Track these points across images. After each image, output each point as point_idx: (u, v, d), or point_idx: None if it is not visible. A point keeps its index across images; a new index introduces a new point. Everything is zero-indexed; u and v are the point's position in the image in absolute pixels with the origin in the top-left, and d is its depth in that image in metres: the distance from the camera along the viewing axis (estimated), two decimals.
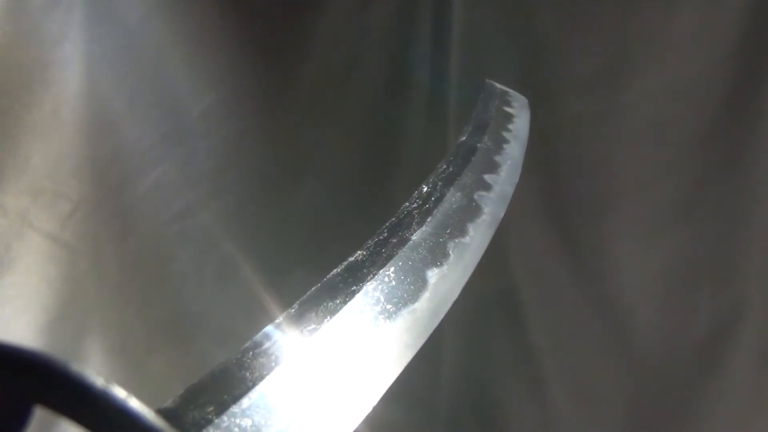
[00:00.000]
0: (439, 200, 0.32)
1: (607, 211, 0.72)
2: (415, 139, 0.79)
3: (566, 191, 0.73)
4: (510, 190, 0.36)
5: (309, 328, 0.24)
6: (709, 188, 0.70)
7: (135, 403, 0.14)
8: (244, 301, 0.79)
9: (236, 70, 0.74)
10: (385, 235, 0.30)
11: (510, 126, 0.40)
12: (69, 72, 0.70)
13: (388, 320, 0.26)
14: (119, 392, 0.14)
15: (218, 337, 0.79)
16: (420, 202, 0.32)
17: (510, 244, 0.74)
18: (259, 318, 0.80)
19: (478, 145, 0.37)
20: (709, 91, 0.68)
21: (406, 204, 0.33)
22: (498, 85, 0.44)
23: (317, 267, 0.87)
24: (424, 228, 0.30)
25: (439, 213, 0.32)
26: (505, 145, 0.38)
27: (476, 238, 0.31)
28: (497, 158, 0.37)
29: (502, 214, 0.34)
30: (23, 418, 0.14)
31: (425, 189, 0.34)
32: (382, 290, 0.26)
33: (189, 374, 0.87)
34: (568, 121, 0.72)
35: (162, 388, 0.78)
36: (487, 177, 0.35)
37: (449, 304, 0.29)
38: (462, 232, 0.31)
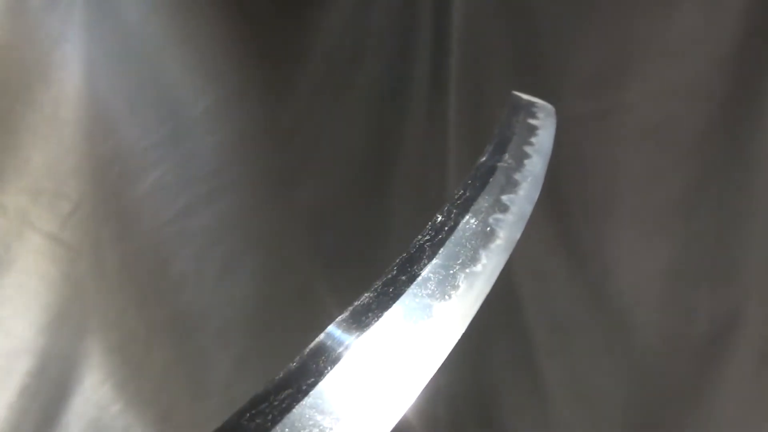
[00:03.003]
0: (452, 230, 0.32)
1: (607, 211, 0.72)
2: (415, 140, 0.79)
3: (566, 191, 0.73)
4: (529, 209, 0.35)
5: (309, 381, 0.24)
6: (709, 188, 0.70)
7: None
8: (244, 301, 0.80)
9: (236, 70, 0.74)
10: (395, 273, 0.29)
11: (533, 139, 0.39)
12: (69, 72, 0.70)
13: (391, 357, 0.26)
14: None
15: (218, 337, 0.79)
16: (433, 234, 0.32)
17: None
18: (259, 318, 0.80)
19: (498, 164, 0.36)
20: (709, 91, 0.68)
21: (419, 237, 0.32)
22: (524, 96, 0.43)
23: (316, 267, 0.87)
24: (435, 261, 0.30)
25: (451, 243, 0.31)
26: (526, 161, 0.37)
27: (488, 266, 0.31)
28: (517, 176, 0.36)
29: (518, 236, 0.33)
30: None
31: (439, 219, 0.33)
32: (387, 331, 0.27)
33: (189, 374, 0.87)
34: (568, 121, 0.72)
35: (162, 388, 0.78)
36: (504, 198, 0.34)
37: (459, 335, 0.29)
38: (474, 260, 0.31)
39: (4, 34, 0.68)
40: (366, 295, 0.28)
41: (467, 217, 0.32)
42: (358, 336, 0.26)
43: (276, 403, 0.23)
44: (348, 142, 0.78)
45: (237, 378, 0.79)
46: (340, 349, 0.26)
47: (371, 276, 0.30)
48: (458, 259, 0.30)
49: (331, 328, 0.27)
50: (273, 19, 0.74)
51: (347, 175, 0.79)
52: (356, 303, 0.28)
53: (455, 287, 0.29)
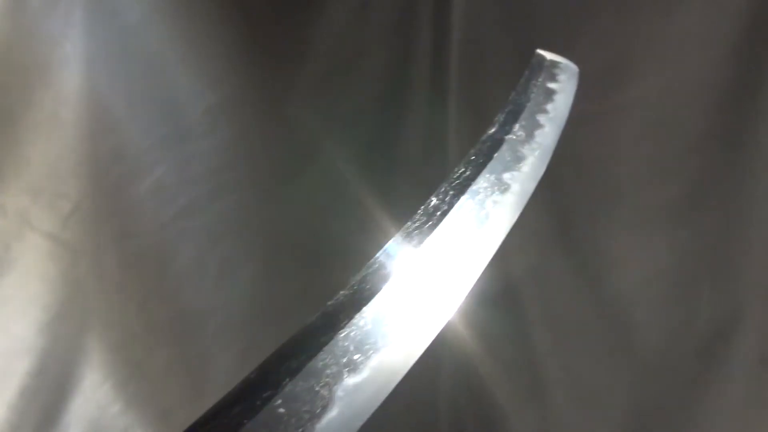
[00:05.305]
0: (444, 214, 0.29)
1: (607, 211, 0.72)
2: (415, 140, 0.79)
3: (566, 191, 0.73)
4: (532, 186, 0.32)
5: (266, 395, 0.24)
6: (709, 188, 0.70)
7: None
8: (244, 301, 0.80)
9: (236, 70, 0.74)
10: (376, 266, 0.27)
11: (548, 106, 0.36)
12: (69, 72, 0.70)
13: (353, 373, 0.24)
14: None
15: (218, 337, 0.79)
16: (424, 219, 0.29)
17: (510, 244, 0.74)
18: (259, 318, 0.80)
19: (506, 137, 0.33)
20: (709, 91, 0.68)
21: (408, 223, 0.29)
22: (548, 56, 0.39)
23: (315, 266, 0.87)
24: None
25: (440, 232, 0.28)
26: (537, 132, 0.34)
27: (480, 253, 0.29)
28: (525, 150, 0.33)
29: (516, 217, 0.31)
30: None
31: (433, 201, 0.30)
32: (353, 338, 0.25)
33: (189, 373, 0.87)
34: (569, 121, 0.72)
35: (162, 387, 0.78)
36: (506, 176, 0.32)
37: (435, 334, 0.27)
38: (465, 248, 0.28)
39: (4, 34, 0.68)
40: (341, 293, 0.26)
41: (463, 198, 0.30)
42: (329, 337, 0.25)
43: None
44: (348, 142, 0.78)
45: (237, 378, 0.79)
46: (303, 358, 0.24)
47: None
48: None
49: (304, 328, 0.25)
50: (273, 20, 0.74)
51: (347, 175, 0.79)
52: (329, 303, 0.26)
53: (440, 278, 0.27)
